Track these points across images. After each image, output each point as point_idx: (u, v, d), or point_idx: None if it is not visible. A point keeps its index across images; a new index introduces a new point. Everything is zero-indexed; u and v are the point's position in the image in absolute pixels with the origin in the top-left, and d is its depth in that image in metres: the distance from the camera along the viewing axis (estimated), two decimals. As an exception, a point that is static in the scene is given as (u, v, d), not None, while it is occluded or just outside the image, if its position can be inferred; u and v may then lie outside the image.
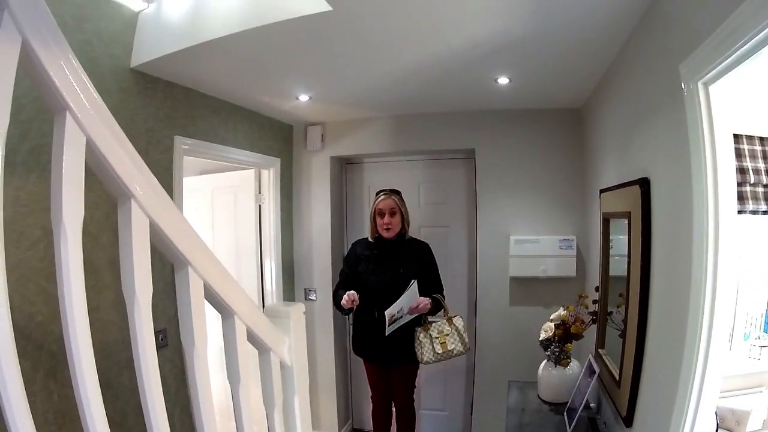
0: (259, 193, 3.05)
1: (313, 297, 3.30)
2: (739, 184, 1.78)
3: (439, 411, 3.32)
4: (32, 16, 0.71)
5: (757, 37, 0.81)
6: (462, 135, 2.98)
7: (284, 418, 1.46)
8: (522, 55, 1.92)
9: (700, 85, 1.04)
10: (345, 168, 3.46)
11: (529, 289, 2.86)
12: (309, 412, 1.59)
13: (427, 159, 3.25)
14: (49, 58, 0.74)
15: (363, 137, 3.16)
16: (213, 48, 1.75)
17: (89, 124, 0.80)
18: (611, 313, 1.92)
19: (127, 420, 1.78)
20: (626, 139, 1.77)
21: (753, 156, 1.81)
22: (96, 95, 0.83)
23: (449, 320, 2.46)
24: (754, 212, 1.83)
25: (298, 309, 1.56)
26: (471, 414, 3.08)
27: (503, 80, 2.28)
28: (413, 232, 2.77)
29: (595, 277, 2.32)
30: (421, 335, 2.44)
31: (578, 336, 2.06)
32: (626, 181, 1.67)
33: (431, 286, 2.51)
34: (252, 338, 1.28)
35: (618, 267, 1.82)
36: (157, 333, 1.86)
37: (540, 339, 2.14)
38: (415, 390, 2.66)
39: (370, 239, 2.62)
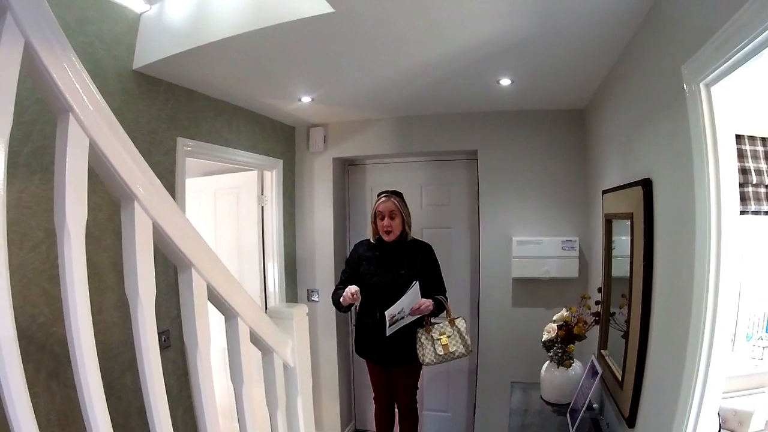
0: (262, 194, 3.05)
1: (315, 298, 3.29)
2: (741, 185, 1.78)
3: (442, 412, 3.31)
4: (35, 17, 0.72)
5: (758, 38, 0.81)
6: (464, 136, 2.98)
7: (287, 419, 1.46)
8: (524, 56, 1.92)
9: (702, 86, 1.04)
10: (347, 169, 3.46)
11: (532, 291, 2.86)
12: (312, 413, 1.59)
13: (430, 160, 3.25)
14: (51, 60, 0.74)
15: (365, 139, 3.16)
16: (215, 50, 1.75)
17: (92, 126, 0.81)
18: (614, 313, 1.92)
19: (130, 421, 1.78)
20: (628, 140, 1.76)
21: (755, 157, 1.81)
22: (99, 97, 0.83)
23: (451, 321, 2.45)
24: (756, 213, 1.82)
25: (301, 310, 1.56)
26: (474, 415, 3.08)
27: (505, 81, 2.27)
28: (415, 233, 2.76)
29: (597, 278, 2.32)
30: (422, 336, 2.43)
31: (581, 337, 2.06)
32: (629, 182, 1.67)
33: (433, 287, 2.51)
34: (255, 339, 1.28)
35: (620, 268, 1.82)
36: (160, 334, 1.85)
37: (543, 340, 2.14)
38: (417, 391, 2.65)
39: (371, 240, 2.62)
